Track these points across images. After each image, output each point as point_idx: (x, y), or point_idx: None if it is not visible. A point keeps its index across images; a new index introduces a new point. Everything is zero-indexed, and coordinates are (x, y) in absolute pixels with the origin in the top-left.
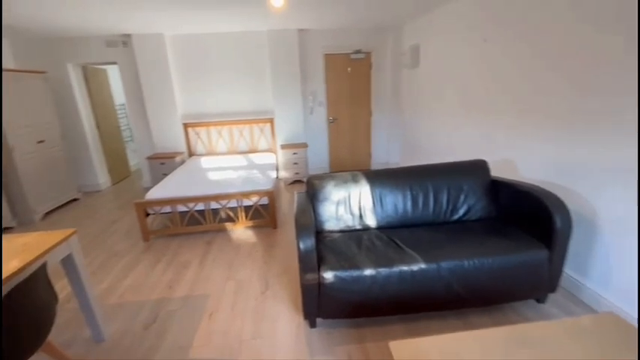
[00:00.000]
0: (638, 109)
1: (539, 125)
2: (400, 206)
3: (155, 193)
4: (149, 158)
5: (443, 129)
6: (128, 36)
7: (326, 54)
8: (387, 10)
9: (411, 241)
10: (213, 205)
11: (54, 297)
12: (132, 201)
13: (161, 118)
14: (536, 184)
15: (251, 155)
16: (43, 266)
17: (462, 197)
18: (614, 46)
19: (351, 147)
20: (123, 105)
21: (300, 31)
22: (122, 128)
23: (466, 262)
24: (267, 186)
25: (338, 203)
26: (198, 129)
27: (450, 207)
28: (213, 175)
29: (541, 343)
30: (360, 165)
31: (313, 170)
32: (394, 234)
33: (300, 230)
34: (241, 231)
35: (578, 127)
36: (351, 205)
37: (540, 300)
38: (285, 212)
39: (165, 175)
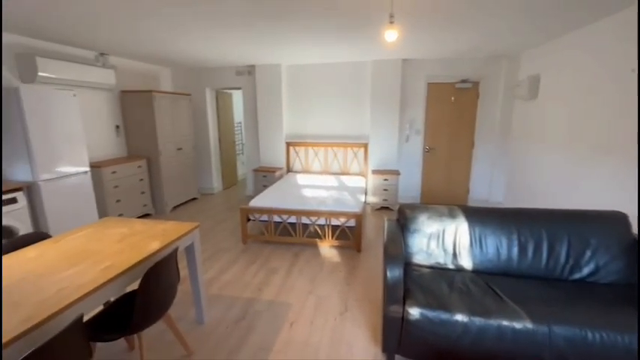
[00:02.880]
0: (638, 111)
1: None
2: (504, 251)
3: (257, 202)
4: (255, 170)
5: (564, 170)
6: (253, 66)
7: (429, 83)
8: (503, 39)
9: (515, 293)
10: (304, 219)
11: (178, 277)
12: (237, 205)
13: (269, 136)
14: None
15: (342, 177)
16: (175, 251)
17: (589, 253)
18: None
19: (446, 179)
20: (240, 123)
21: (404, 60)
22: (236, 143)
23: (590, 334)
24: (355, 208)
25: (430, 237)
26: (298, 148)
27: (570, 262)
28: (306, 192)
29: None
30: (455, 200)
31: (403, 199)
32: (493, 281)
33: (389, 259)
34: (327, 249)
35: None
36: (444, 241)
37: None
38: (370, 237)
39: (266, 186)
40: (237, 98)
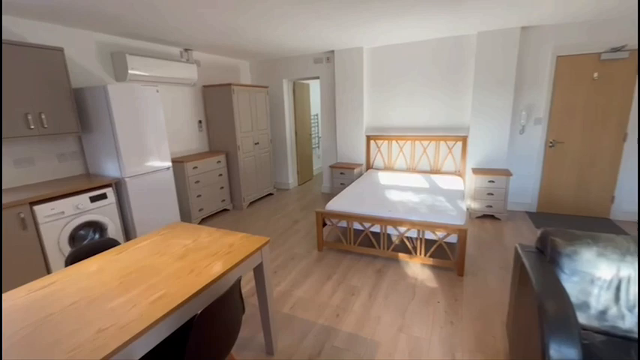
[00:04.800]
0: (638, 108)
1: None
2: None
3: (334, 205)
4: (331, 167)
5: None
6: (332, 52)
7: (559, 56)
8: None
9: None
10: (390, 229)
11: (242, 309)
12: (312, 203)
13: (347, 129)
14: None
15: (433, 176)
16: (238, 280)
17: None
18: None
19: (578, 183)
20: (316, 115)
21: (524, 29)
22: (312, 136)
23: None
24: (458, 220)
25: (602, 285)
26: (379, 142)
27: None
28: (391, 195)
29: None
30: (590, 210)
31: (513, 206)
32: None
33: (555, 328)
34: (418, 267)
35: None
36: (628, 294)
37: None
38: (470, 253)
39: (343, 185)
40: (315, 89)
